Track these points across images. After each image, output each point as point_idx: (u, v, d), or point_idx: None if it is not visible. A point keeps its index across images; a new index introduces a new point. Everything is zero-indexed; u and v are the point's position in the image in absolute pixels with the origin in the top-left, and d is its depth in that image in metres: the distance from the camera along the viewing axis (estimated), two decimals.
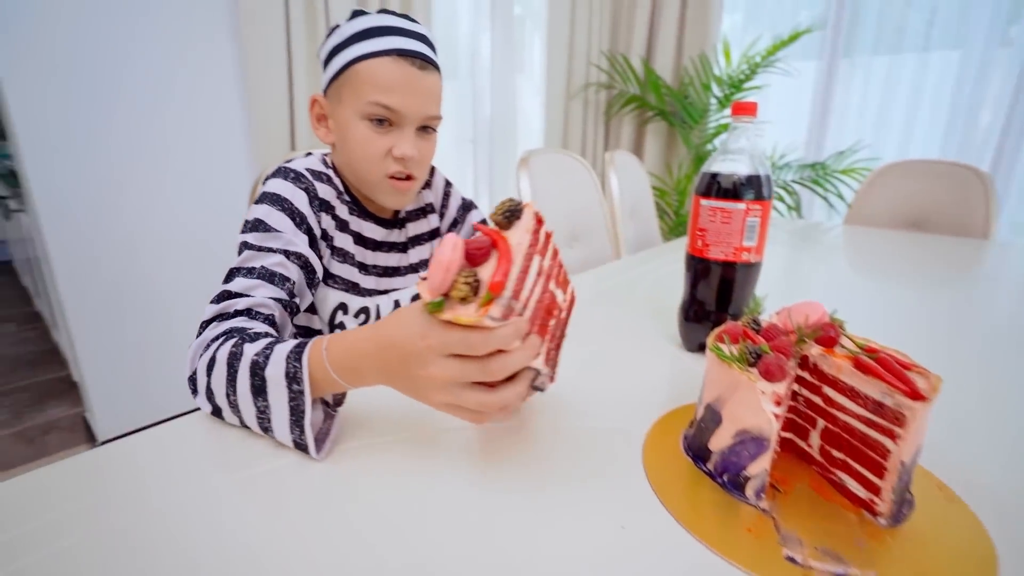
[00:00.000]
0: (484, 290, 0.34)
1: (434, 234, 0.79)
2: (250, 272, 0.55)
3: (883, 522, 0.37)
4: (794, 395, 0.44)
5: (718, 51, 2.64)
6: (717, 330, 0.44)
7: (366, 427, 0.48)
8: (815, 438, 0.43)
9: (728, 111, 2.12)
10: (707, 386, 0.43)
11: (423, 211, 0.78)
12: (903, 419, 0.35)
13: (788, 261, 1.26)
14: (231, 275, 0.55)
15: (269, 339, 0.47)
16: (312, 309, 0.68)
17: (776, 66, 2.48)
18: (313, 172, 0.65)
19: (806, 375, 0.43)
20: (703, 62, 2.62)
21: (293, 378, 0.41)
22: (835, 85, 2.63)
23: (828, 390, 0.41)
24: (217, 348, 0.47)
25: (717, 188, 0.60)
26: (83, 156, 1.41)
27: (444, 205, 0.80)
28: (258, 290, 0.54)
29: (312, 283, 0.61)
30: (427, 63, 0.62)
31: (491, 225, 0.39)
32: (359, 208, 0.70)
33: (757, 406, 0.37)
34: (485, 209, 2.77)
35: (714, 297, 0.62)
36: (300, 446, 0.42)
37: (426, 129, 0.66)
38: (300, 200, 0.61)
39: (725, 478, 0.40)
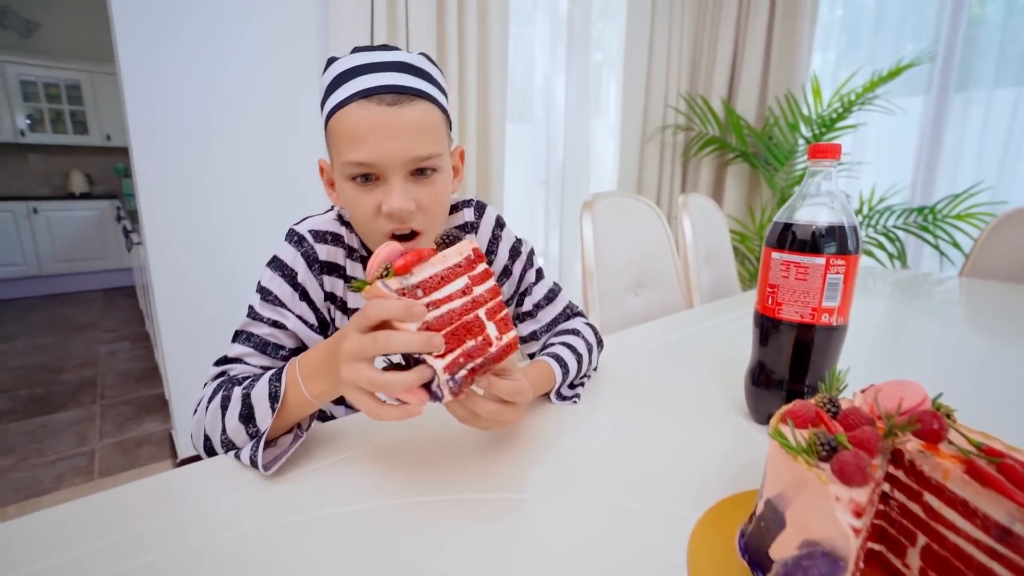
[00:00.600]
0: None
1: None
2: (248, 339, 0.58)
3: None
4: (884, 497, 0.36)
5: (807, 90, 2.50)
6: (782, 410, 0.37)
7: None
8: (914, 558, 0.34)
9: None
10: (769, 477, 0.36)
11: None
12: None
13: (886, 321, 1.10)
14: (235, 336, 0.59)
15: (251, 379, 0.52)
16: None
17: (875, 103, 2.29)
18: (317, 234, 0.62)
19: (900, 475, 0.35)
20: (790, 101, 2.48)
21: (274, 398, 0.48)
22: (946, 122, 2.37)
23: (931, 498, 0.32)
24: (208, 402, 0.52)
25: (792, 240, 0.53)
26: (188, 199, 1.58)
27: (492, 250, 0.73)
28: (252, 359, 0.57)
29: (310, 347, 0.61)
30: (403, 95, 0.53)
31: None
32: None
33: (830, 514, 0.29)
34: (554, 250, 2.76)
35: (786, 364, 0.54)
36: (253, 462, 0.47)
37: (423, 172, 0.56)
38: (299, 265, 0.60)
39: None
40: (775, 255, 0.53)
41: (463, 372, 0.44)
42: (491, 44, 2.02)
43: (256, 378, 0.51)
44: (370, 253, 0.65)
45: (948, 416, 0.35)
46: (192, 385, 1.73)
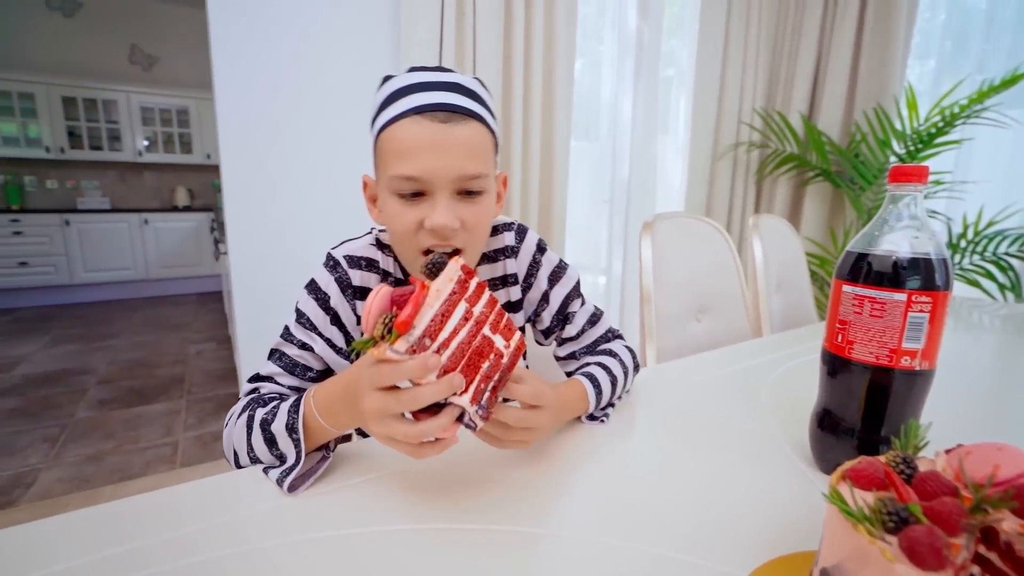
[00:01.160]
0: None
1: (513, 307, 0.72)
2: (280, 358, 0.60)
3: None
4: None
5: (900, 103, 2.29)
6: (844, 466, 0.33)
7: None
8: None
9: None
10: (826, 542, 0.31)
11: (503, 281, 0.72)
12: None
13: (990, 365, 0.97)
14: (270, 354, 0.61)
15: (277, 401, 0.54)
16: None
17: (984, 116, 2.06)
18: (351, 259, 0.63)
19: (993, 557, 0.29)
20: (879, 115, 2.29)
21: (292, 428, 0.49)
22: None
23: None
24: (237, 419, 0.55)
25: (868, 272, 0.47)
26: (268, 213, 1.70)
27: (531, 275, 0.72)
28: (282, 378, 0.60)
29: (338, 370, 0.62)
30: (455, 113, 0.53)
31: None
32: None
33: None
34: (617, 270, 2.70)
35: (857, 410, 0.48)
36: (280, 483, 0.48)
37: (469, 192, 0.56)
38: (333, 290, 0.62)
39: None
40: (846, 288, 0.48)
41: (487, 395, 0.44)
42: (557, 63, 2.03)
43: (279, 404, 0.52)
44: (406, 276, 0.66)
45: None
46: None
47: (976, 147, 2.26)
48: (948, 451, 0.34)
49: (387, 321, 0.40)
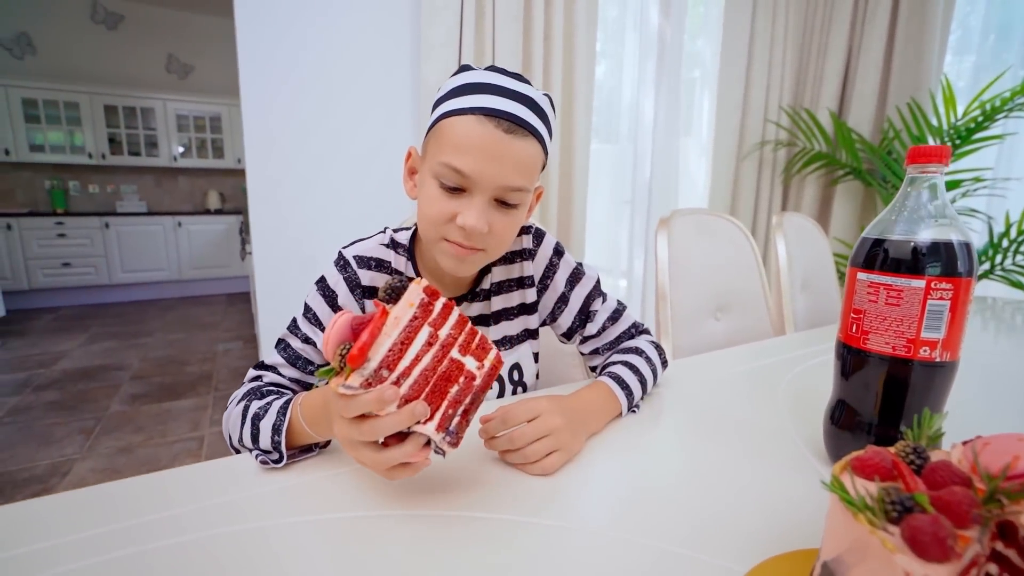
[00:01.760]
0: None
1: (528, 309, 0.73)
2: (284, 349, 0.61)
3: None
4: None
5: (937, 97, 2.20)
6: (850, 456, 0.31)
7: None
8: None
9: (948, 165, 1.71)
10: (827, 535, 0.30)
11: (519, 283, 0.72)
12: None
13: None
14: (277, 343, 0.62)
15: (273, 395, 0.56)
16: None
17: None
18: (361, 259, 0.64)
19: (1012, 555, 0.27)
20: (914, 111, 2.20)
21: (276, 430, 0.50)
22: None
23: None
24: (236, 405, 0.57)
25: (884, 258, 0.45)
26: (291, 215, 1.74)
27: (548, 277, 0.73)
28: (284, 369, 0.61)
29: None
30: (519, 127, 0.54)
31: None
32: None
33: None
34: (638, 271, 2.66)
35: (873, 403, 0.46)
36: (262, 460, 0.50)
37: (506, 203, 0.57)
38: (341, 289, 0.62)
39: None
40: (860, 275, 0.46)
41: (456, 420, 0.42)
42: (577, 64, 2.02)
43: (273, 401, 0.54)
44: (418, 276, 0.67)
45: None
46: None
47: (1019, 142, 2.15)
48: (965, 443, 0.32)
49: (343, 352, 0.39)
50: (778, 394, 0.72)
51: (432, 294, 0.42)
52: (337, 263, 0.64)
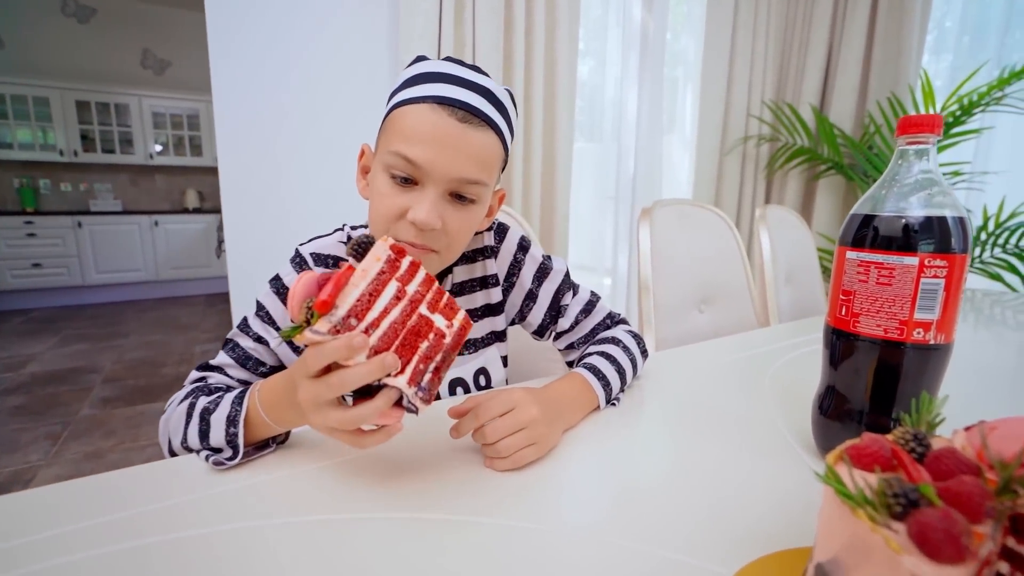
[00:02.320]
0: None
1: (494, 309, 0.69)
2: (233, 349, 0.57)
3: None
4: None
5: (916, 92, 2.21)
6: (844, 445, 0.28)
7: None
8: None
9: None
10: (821, 533, 0.27)
11: (482, 282, 0.68)
12: None
13: (1013, 352, 0.90)
14: (224, 344, 0.58)
15: (221, 392, 0.51)
16: None
17: (1004, 104, 1.98)
18: (318, 257, 0.61)
19: None
20: (894, 105, 2.21)
21: (232, 421, 0.46)
22: None
23: None
24: (179, 404, 0.52)
25: (874, 236, 0.42)
26: (263, 214, 1.68)
27: (513, 274, 0.69)
28: (232, 370, 0.57)
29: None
30: (474, 116, 0.51)
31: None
32: None
33: None
34: (622, 267, 2.64)
35: (864, 390, 0.43)
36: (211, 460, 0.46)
37: (462, 198, 0.53)
38: None
39: None
40: (850, 254, 0.43)
41: (427, 376, 0.41)
42: (559, 60, 1.99)
43: (223, 395, 0.50)
44: None
45: None
46: None
47: (996, 136, 2.18)
48: (968, 428, 0.29)
49: (310, 304, 0.38)
50: (764, 385, 0.70)
51: (399, 252, 0.41)
52: (293, 260, 0.61)
